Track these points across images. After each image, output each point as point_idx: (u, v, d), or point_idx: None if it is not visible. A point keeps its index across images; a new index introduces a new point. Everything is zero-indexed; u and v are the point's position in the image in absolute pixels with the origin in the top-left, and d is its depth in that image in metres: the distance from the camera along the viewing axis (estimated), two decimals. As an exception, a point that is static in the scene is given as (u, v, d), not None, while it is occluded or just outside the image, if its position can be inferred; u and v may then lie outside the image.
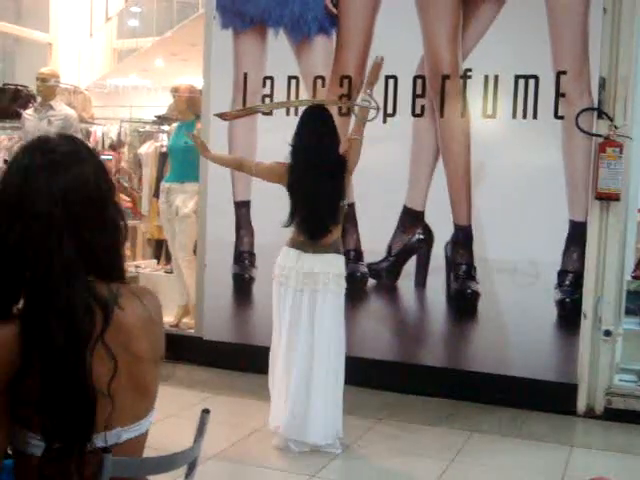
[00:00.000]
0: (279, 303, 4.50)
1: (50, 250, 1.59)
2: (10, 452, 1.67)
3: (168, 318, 6.47)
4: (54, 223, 1.60)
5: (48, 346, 1.56)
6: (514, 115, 5.27)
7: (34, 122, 6.88)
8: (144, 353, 1.70)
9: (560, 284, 5.23)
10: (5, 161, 7.44)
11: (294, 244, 4.48)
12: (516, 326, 5.30)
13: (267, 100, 5.84)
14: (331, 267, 4.43)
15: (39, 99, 7.05)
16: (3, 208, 1.64)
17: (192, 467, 1.97)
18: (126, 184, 7.45)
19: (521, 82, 5.24)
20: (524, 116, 5.24)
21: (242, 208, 6.00)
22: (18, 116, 7.27)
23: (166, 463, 1.87)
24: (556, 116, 5.16)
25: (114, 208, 1.74)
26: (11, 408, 1.59)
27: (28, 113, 7.04)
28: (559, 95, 5.14)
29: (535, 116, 5.21)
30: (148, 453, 1.87)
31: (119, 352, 1.63)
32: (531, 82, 5.21)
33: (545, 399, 5.24)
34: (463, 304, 5.48)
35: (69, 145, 1.73)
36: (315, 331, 4.41)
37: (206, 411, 1.98)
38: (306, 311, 4.41)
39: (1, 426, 1.59)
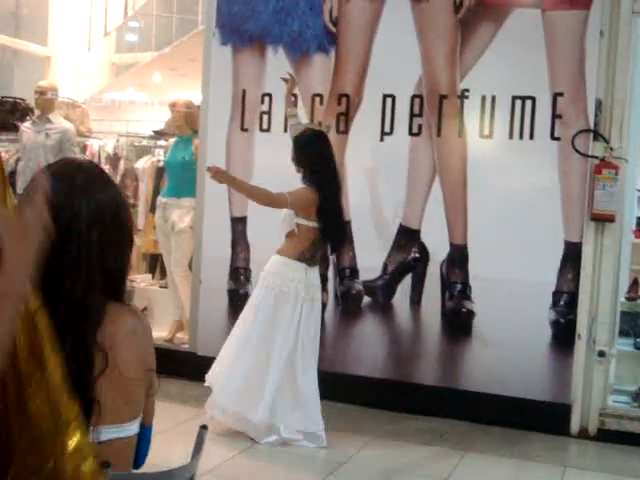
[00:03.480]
0: (271, 308, 4.79)
1: (83, 261, 1.70)
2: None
3: (162, 333, 6.46)
4: (90, 239, 1.71)
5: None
6: (511, 135, 5.30)
7: (32, 135, 6.88)
8: (127, 361, 1.74)
9: (555, 304, 5.24)
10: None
11: (302, 259, 4.79)
12: (510, 346, 5.30)
13: (265, 117, 5.86)
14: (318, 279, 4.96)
15: (37, 112, 7.05)
16: None
17: (189, 483, 1.97)
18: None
19: (518, 103, 5.27)
20: (520, 137, 5.27)
21: (238, 224, 6.01)
22: (16, 129, 7.27)
23: (164, 479, 1.87)
24: (552, 137, 5.19)
25: (131, 232, 1.86)
26: None
27: (26, 126, 7.04)
28: (555, 116, 5.18)
29: (531, 137, 5.25)
30: (142, 468, 1.87)
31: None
32: (528, 103, 5.25)
33: (539, 419, 5.24)
34: (458, 323, 5.49)
35: (94, 169, 1.86)
36: (309, 333, 4.86)
37: (204, 427, 1.98)
38: (305, 318, 4.82)
39: None
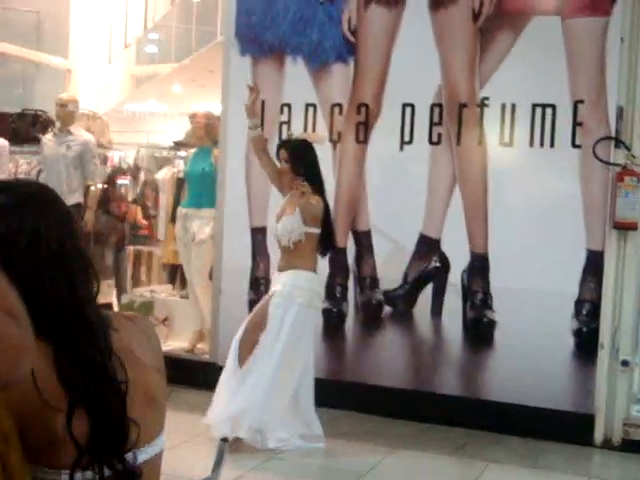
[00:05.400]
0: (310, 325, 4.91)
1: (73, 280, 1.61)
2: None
3: (183, 343, 6.47)
4: (69, 256, 1.61)
5: (83, 366, 1.56)
6: (531, 143, 5.28)
7: (53, 147, 6.93)
8: (147, 368, 1.70)
9: (577, 314, 5.20)
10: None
11: (316, 269, 4.92)
12: (532, 355, 5.26)
13: (284, 127, 5.87)
14: None
15: (58, 124, 7.10)
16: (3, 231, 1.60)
17: (211, 496, 1.96)
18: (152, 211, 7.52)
19: (538, 111, 5.24)
20: (541, 145, 5.24)
21: (258, 234, 6.01)
22: (37, 141, 7.33)
23: (185, 492, 1.85)
24: (573, 145, 5.16)
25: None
26: (29, 450, 1.52)
27: (47, 138, 7.09)
28: (576, 124, 5.14)
29: (552, 145, 5.22)
30: (162, 479, 1.86)
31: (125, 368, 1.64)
32: (548, 111, 5.22)
33: (562, 429, 5.19)
34: (479, 332, 5.45)
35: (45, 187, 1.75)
36: None
37: (224, 440, 1.97)
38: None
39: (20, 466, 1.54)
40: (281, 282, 4.84)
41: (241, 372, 4.79)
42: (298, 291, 4.79)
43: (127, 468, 1.59)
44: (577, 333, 5.20)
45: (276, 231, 4.92)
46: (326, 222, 4.89)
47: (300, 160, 4.88)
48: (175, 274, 7.56)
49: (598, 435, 5.14)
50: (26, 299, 1.55)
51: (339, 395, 5.06)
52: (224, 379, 4.89)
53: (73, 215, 1.72)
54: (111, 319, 1.68)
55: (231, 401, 4.75)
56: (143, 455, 1.65)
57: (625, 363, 5.11)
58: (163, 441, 1.75)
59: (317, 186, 4.85)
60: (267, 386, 4.72)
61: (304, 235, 4.80)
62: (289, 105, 5.88)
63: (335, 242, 5.04)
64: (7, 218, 1.59)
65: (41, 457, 1.56)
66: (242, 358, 4.83)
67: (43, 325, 1.56)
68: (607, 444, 5.13)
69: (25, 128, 7.67)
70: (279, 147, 5.04)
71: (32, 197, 1.65)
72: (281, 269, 4.92)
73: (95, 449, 1.56)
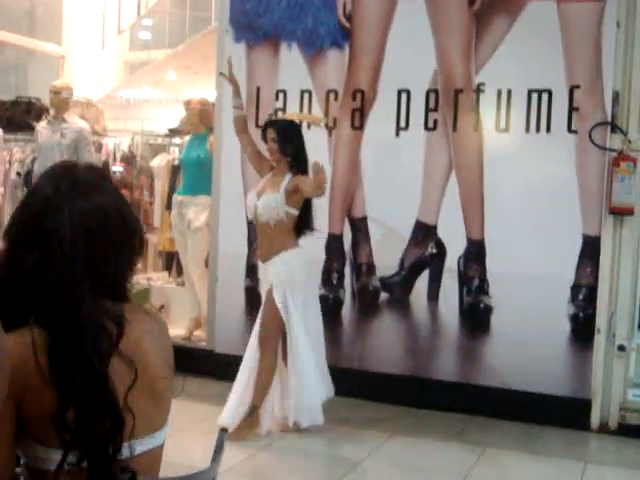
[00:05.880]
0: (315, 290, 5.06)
1: (69, 277, 1.60)
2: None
3: (179, 331, 6.47)
4: (75, 254, 1.60)
5: (72, 362, 1.56)
6: (527, 129, 5.27)
7: (47, 135, 6.90)
8: (154, 362, 1.70)
9: (573, 299, 5.20)
10: (18, 174, 7.47)
11: (297, 244, 4.93)
12: (529, 341, 5.27)
13: (280, 113, 5.85)
14: None
15: (52, 112, 7.06)
16: (25, 233, 1.63)
17: (210, 486, 1.96)
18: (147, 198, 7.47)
19: (534, 96, 5.23)
20: (537, 130, 5.24)
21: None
22: (31, 129, 7.29)
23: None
24: (569, 130, 5.16)
25: (133, 241, 1.74)
26: (26, 425, 1.58)
27: (41, 126, 7.05)
28: (572, 109, 5.14)
29: (548, 130, 5.21)
30: (162, 467, 1.86)
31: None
32: (544, 96, 5.21)
33: (559, 414, 5.21)
34: (476, 318, 5.46)
35: (93, 175, 1.72)
36: None
37: (224, 430, 1.97)
38: None
39: (5, 442, 1.58)
40: (273, 272, 4.81)
41: (287, 370, 4.85)
42: (293, 271, 4.79)
43: (118, 465, 1.60)
44: (574, 318, 5.21)
45: (256, 208, 4.86)
46: (306, 204, 4.84)
47: (288, 140, 4.82)
48: (171, 261, 7.56)
49: (595, 420, 5.16)
50: (33, 290, 1.59)
51: (336, 381, 5.05)
52: (240, 379, 4.87)
53: (106, 212, 1.67)
54: (124, 312, 1.67)
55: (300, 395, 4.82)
56: (141, 446, 1.66)
57: (621, 348, 5.12)
58: (165, 434, 1.75)
59: (304, 167, 4.79)
60: (313, 365, 4.81)
61: (285, 215, 4.78)
62: (284, 91, 5.86)
63: (312, 224, 4.94)
64: (37, 208, 1.63)
65: (37, 434, 1.58)
66: (264, 358, 4.82)
67: (46, 316, 1.59)
68: (604, 429, 5.15)
69: (19, 116, 7.64)
70: (266, 126, 4.95)
71: (60, 194, 1.64)
72: (264, 259, 4.89)
73: (83, 440, 1.57)
